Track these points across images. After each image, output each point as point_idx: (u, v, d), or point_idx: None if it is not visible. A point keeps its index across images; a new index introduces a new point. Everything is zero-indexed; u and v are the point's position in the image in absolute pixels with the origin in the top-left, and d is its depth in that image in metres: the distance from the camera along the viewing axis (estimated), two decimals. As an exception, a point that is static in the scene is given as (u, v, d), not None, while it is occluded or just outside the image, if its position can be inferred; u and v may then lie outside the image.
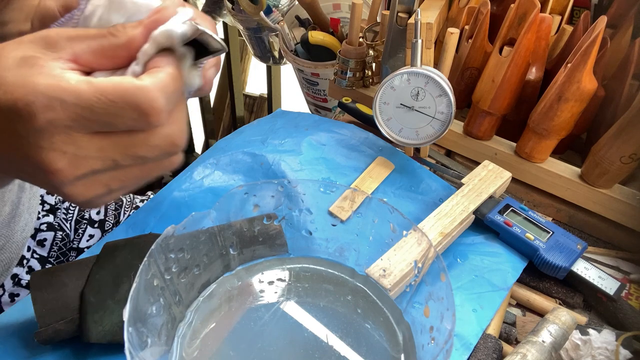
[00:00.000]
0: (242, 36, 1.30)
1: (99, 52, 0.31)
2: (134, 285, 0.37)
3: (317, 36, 0.93)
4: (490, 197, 0.58)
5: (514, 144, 0.65)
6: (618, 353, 0.45)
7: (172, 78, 0.31)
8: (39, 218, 0.68)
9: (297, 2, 1.02)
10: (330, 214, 0.55)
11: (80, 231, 0.72)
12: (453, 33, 0.56)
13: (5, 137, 0.29)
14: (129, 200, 0.78)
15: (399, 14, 0.61)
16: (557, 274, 0.53)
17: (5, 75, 0.28)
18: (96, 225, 0.73)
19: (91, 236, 0.72)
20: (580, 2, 0.71)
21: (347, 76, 0.72)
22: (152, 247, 0.40)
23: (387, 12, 0.65)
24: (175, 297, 0.45)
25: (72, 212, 0.72)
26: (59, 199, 0.72)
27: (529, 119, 0.61)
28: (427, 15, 0.56)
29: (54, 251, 0.68)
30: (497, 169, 0.60)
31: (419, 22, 0.54)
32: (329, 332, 0.46)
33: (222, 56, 0.37)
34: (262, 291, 0.50)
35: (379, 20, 0.75)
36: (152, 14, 0.32)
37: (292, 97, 1.57)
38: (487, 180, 0.59)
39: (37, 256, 0.66)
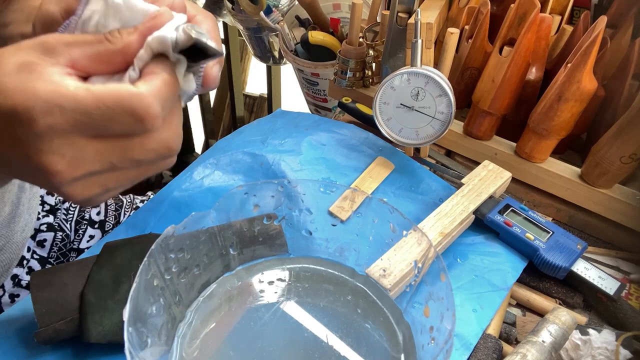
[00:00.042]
0: (242, 36, 1.30)
1: (95, 57, 0.32)
2: (134, 285, 0.37)
3: (317, 36, 0.93)
4: (490, 197, 0.58)
5: (514, 144, 0.65)
6: (618, 353, 0.45)
7: (167, 84, 0.32)
8: (38, 218, 0.68)
9: (297, 2, 1.02)
10: (330, 214, 0.55)
11: (80, 232, 0.72)
12: (453, 33, 0.56)
13: (6, 139, 0.30)
14: (129, 200, 0.78)
15: (399, 14, 0.61)
16: (557, 274, 0.53)
17: (5, 81, 0.29)
18: (96, 226, 0.73)
19: (91, 237, 0.72)
20: (580, 2, 0.71)
21: (347, 76, 0.72)
22: (152, 247, 0.40)
23: (387, 12, 0.66)
24: (175, 297, 0.45)
25: (72, 212, 0.72)
26: (59, 200, 0.72)
27: (529, 119, 0.61)
28: (427, 15, 0.57)
29: (54, 252, 0.68)
30: (497, 169, 0.60)
31: (419, 22, 0.54)
32: (329, 332, 0.46)
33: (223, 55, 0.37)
34: (262, 291, 0.50)
35: (379, 20, 0.75)
36: (148, 20, 0.33)
37: (292, 97, 1.57)
38: (487, 180, 0.59)
39: (37, 257, 0.66)
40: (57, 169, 0.30)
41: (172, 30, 0.32)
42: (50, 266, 0.66)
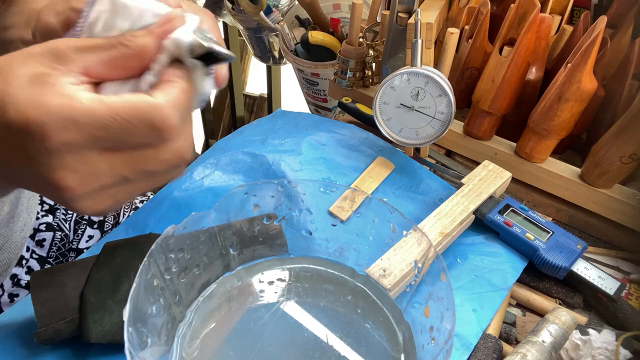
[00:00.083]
0: (242, 36, 1.30)
1: (110, 63, 0.30)
2: (134, 285, 0.37)
3: (317, 36, 0.93)
4: (490, 197, 0.58)
5: (514, 144, 0.65)
6: (618, 353, 0.45)
7: (184, 92, 0.31)
8: (38, 218, 0.68)
9: (297, 2, 1.02)
10: (330, 214, 0.55)
11: (79, 232, 0.72)
12: (453, 33, 0.56)
13: (16, 154, 0.29)
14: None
15: (399, 14, 0.61)
16: (557, 274, 0.53)
17: (15, 94, 0.28)
18: (95, 226, 0.73)
19: (90, 237, 0.72)
20: (580, 2, 0.71)
21: (347, 76, 0.72)
22: (152, 247, 0.40)
23: (387, 12, 0.66)
24: (175, 297, 0.45)
25: (71, 212, 0.72)
26: (58, 199, 0.72)
27: (529, 119, 0.61)
28: (427, 15, 0.56)
29: (53, 251, 0.68)
30: (497, 169, 0.60)
31: (419, 22, 0.54)
32: (329, 332, 0.46)
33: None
34: (262, 291, 0.50)
35: (379, 20, 0.75)
36: (163, 22, 0.31)
37: (292, 97, 1.57)
38: (487, 180, 0.59)
39: (36, 256, 0.66)
40: (68, 184, 0.29)
41: (189, 33, 0.31)
42: (49, 266, 0.66)
